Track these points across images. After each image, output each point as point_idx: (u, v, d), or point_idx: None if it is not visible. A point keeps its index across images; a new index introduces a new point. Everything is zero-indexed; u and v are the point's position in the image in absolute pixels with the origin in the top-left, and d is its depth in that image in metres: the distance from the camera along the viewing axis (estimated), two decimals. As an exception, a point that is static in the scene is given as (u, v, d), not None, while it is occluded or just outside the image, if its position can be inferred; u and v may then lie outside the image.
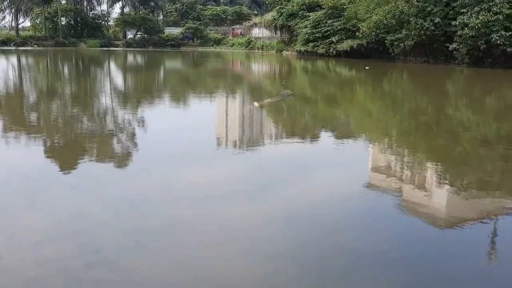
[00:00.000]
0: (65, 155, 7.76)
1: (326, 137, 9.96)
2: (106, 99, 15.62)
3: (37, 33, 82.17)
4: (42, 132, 9.67)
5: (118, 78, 27.05)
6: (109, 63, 40.66)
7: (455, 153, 8.38)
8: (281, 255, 4.11)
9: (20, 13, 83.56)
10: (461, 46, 30.06)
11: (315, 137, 9.74)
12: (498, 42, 27.68)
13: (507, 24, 27.63)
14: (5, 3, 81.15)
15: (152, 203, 5.32)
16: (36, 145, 8.49)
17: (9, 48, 64.57)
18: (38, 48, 67.57)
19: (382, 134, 10.23)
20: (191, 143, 8.66)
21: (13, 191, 5.72)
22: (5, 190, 5.73)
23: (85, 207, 5.15)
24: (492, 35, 27.84)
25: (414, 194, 6.01)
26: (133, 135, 9.44)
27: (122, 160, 7.45)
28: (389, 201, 5.69)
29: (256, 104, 13.29)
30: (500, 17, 27.46)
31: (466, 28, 28.82)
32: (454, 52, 31.01)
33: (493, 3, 27.97)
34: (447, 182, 6.60)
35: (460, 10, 30.07)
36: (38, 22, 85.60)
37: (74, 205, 5.20)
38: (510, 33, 27.46)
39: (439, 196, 6.09)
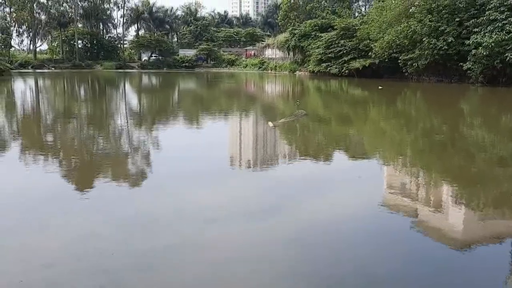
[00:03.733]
0: (80, 175, 7.82)
1: (340, 156, 9.93)
2: (122, 120, 15.80)
3: (54, 55, 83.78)
4: (58, 153, 9.80)
5: (134, 99, 27.37)
6: (125, 85, 41.18)
7: (471, 173, 8.29)
8: (293, 274, 4.08)
9: (38, 37, 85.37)
10: (475, 66, 29.93)
11: (329, 157, 9.72)
12: (513, 61, 27.50)
13: (521, 43, 27.49)
14: (24, 27, 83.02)
15: (165, 223, 5.33)
16: (51, 166, 8.59)
17: (27, 70, 65.82)
18: (55, 70, 68.83)
19: (397, 154, 10.17)
20: (206, 162, 8.69)
21: (28, 211, 5.77)
22: (20, 211, 5.78)
23: (97, 227, 5.18)
24: (507, 54, 27.68)
25: (429, 214, 5.94)
26: (148, 155, 9.51)
27: (137, 180, 7.49)
28: (404, 220, 5.64)
29: (270, 124, 13.35)
30: (514, 35, 27.35)
31: (480, 48, 28.72)
32: (468, 71, 30.88)
33: (506, 22, 27.88)
34: (462, 202, 6.52)
35: (473, 30, 30.04)
36: (55, 45, 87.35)
37: (86, 225, 5.24)
38: (524, 51, 27.30)
39: (455, 216, 6.02)
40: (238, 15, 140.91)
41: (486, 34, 28.61)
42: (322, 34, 50.10)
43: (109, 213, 5.75)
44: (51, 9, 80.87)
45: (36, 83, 40.76)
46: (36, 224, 5.33)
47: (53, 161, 8.99)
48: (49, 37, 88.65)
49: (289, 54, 62.69)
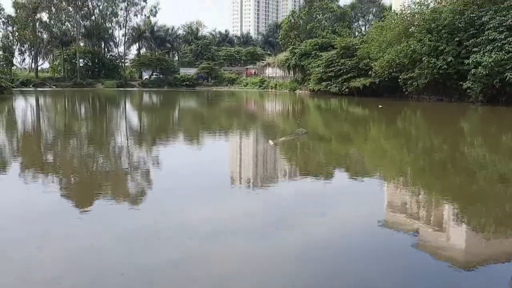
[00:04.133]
0: (80, 192, 7.82)
1: (341, 175, 9.92)
2: (123, 138, 15.81)
3: (55, 74, 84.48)
4: (58, 170, 9.79)
5: (133, 117, 27.45)
6: (125, 103, 41.33)
7: (471, 192, 8.26)
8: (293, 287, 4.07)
9: (40, 55, 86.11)
10: (474, 85, 30.08)
11: (329, 175, 9.70)
12: (512, 80, 27.62)
13: (521, 63, 27.65)
14: (26, 45, 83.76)
15: (165, 240, 5.32)
16: (52, 183, 8.58)
17: (28, 89, 66.15)
18: (56, 88, 69.19)
19: (397, 172, 10.16)
20: (207, 180, 8.69)
21: (29, 227, 5.77)
22: (21, 227, 5.78)
23: (98, 243, 5.18)
24: (506, 74, 27.82)
25: (429, 232, 5.92)
26: (148, 173, 9.50)
27: (137, 197, 7.47)
28: (404, 237, 5.63)
29: (271, 142, 13.35)
30: (513, 55, 27.52)
31: (479, 67, 28.89)
32: (468, 91, 31.02)
33: (505, 42, 28.11)
34: (463, 220, 6.51)
35: (473, 49, 30.28)
36: (57, 63, 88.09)
37: (86, 241, 5.22)
38: (524, 71, 27.44)
39: (456, 234, 6.00)
40: (239, 34, 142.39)
41: (486, 53, 28.83)
42: (322, 53, 50.53)
43: (109, 230, 5.74)
44: (53, 28, 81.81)
45: (37, 101, 40.95)
46: (37, 239, 5.33)
47: (54, 178, 8.98)
48: (51, 55, 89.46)
49: (289, 72, 63.16)
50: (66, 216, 6.31)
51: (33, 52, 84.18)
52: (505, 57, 27.74)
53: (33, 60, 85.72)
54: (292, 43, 68.16)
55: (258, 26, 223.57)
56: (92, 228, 5.76)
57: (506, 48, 27.94)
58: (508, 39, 28.10)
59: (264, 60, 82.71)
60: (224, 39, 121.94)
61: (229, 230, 5.70)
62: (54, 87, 72.38)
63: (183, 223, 5.99)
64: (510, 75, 27.57)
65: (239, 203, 7.19)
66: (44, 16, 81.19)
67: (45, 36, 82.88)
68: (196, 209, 6.69)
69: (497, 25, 29.08)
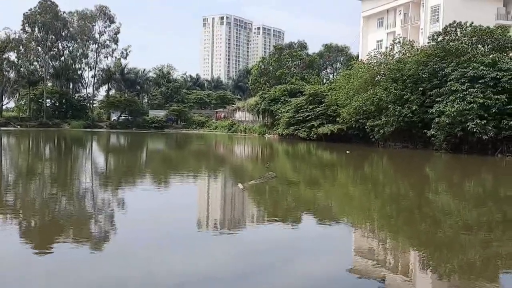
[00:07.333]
0: (41, 238, 7.47)
1: (309, 220, 9.85)
2: (85, 181, 15.39)
3: (21, 113, 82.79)
4: (17, 215, 9.37)
5: (98, 159, 26.92)
6: (91, 145, 40.60)
7: (437, 239, 8.29)
8: None
9: (5, 94, 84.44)
10: (438, 133, 30.90)
11: (298, 221, 9.62)
12: (474, 130, 28.46)
13: (481, 113, 28.58)
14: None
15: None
16: (11, 228, 8.18)
17: (-9, 128, 64.51)
18: (20, 128, 67.73)
19: (365, 218, 10.16)
20: (173, 225, 8.49)
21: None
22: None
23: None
24: (468, 123, 28.68)
25: (397, 280, 5.87)
26: (113, 218, 9.19)
27: (101, 244, 7.18)
28: (372, 286, 5.55)
29: (240, 186, 13.24)
30: (474, 106, 28.45)
31: (442, 116, 29.74)
32: (432, 138, 31.81)
33: (467, 93, 29.14)
34: (429, 267, 6.50)
35: (436, 99, 31.26)
36: (22, 103, 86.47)
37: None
38: (484, 121, 28.33)
39: (421, 282, 6.00)
40: (209, 79, 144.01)
41: (448, 103, 29.76)
42: (291, 99, 51.43)
43: (72, 280, 5.43)
44: (21, 67, 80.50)
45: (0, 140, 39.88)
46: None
47: (11, 224, 8.56)
48: (17, 95, 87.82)
49: (258, 117, 63.84)
50: (25, 265, 5.99)
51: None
52: (467, 107, 28.66)
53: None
54: (262, 88, 69.17)
55: (228, 70, 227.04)
56: (53, 280, 5.45)
57: (468, 98, 28.91)
58: (469, 90, 29.15)
59: (234, 104, 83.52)
60: (195, 82, 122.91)
61: (195, 281, 5.50)
62: (18, 126, 70.88)
63: (148, 272, 5.75)
64: (472, 124, 28.42)
65: (207, 251, 6.97)
66: (12, 56, 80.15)
67: (11, 75, 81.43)
68: (163, 257, 6.47)
69: (459, 76, 30.23)
